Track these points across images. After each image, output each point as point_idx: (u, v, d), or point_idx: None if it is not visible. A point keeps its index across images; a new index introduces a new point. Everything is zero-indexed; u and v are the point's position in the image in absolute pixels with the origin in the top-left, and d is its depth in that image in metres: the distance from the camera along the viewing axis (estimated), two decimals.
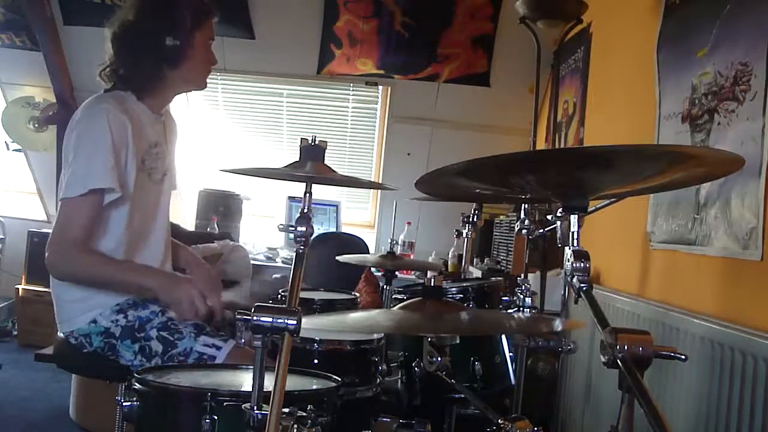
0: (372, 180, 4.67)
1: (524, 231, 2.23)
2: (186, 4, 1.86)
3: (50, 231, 1.74)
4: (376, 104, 4.75)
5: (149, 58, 1.84)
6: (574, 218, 1.06)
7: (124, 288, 1.81)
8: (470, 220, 2.79)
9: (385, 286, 2.23)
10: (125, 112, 1.80)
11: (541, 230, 2.24)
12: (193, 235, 4.01)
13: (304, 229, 1.26)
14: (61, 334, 1.88)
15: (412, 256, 4.22)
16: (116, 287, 1.81)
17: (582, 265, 1.03)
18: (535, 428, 1.22)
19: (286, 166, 1.38)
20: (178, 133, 2.13)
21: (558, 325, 1.30)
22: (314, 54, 4.43)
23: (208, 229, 4.27)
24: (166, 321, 1.81)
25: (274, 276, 4.02)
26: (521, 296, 1.51)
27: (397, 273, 2.31)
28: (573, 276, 1.03)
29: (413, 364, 1.72)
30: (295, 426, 1.08)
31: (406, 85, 4.50)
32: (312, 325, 1.20)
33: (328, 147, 1.38)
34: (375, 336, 1.75)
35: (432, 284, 1.29)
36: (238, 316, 1.06)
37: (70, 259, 1.73)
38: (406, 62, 4.41)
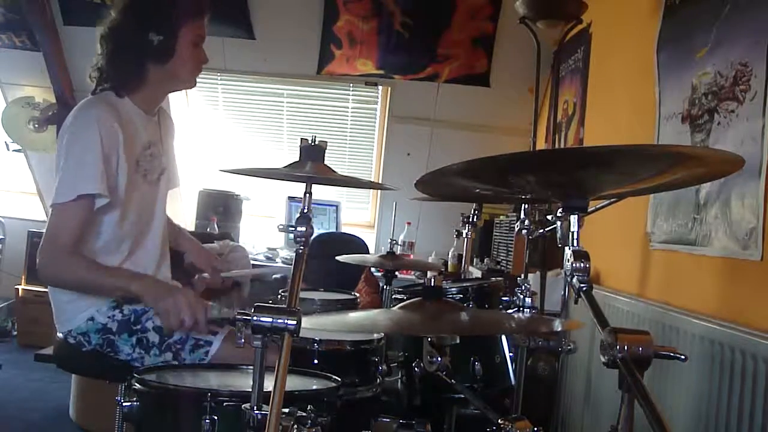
0: (372, 180, 4.67)
1: (524, 231, 2.23)
2: (172, 0, 1.86)
3: None
4: (376, 104, 4.75)
5: (132, 54, 1.84)
6: (574, 218, 1.06)
7: (111, 293, 1.79)
8: (470, 220, 2.80)
9: (385, 286, 2.23)
10: (117, 117, 1.79)
11: (541, 230, 2.24)
12: (192, 235, 4.01)
13: (304, 229, 1.26)
14: (60, 334, 1.88)
15: (411, 257, 4.22)
16: (104, 292, 1.79)
17: (582, 265, 1.02)
18: (535, 428, 1.22)
19: (286, 166, 1.38)
20: (175, 130, 2.13)
21: (558, 325, 1.30)
22: (314, 54, 4.42)
23: (208, 230, 4.27)
24: None
25: (273, 276, 4.02)
26: (521, 296, 1.51)
27: (397, 273, 2.31)
28: (573, 276, 1.03)
29: (413, 364, 1.71)
30: (295, 426, 1.08)
31: (406, 85, 4.50)
32: (312, 325, 1.20)
33: (328, 147, 1.38)
34: (375, 336, 1.75)
35: (432, 284, 1.29)
36: (238, 316, 1.06)
37: (59, 264, 1.73)
38: (406, 62, 4.41)
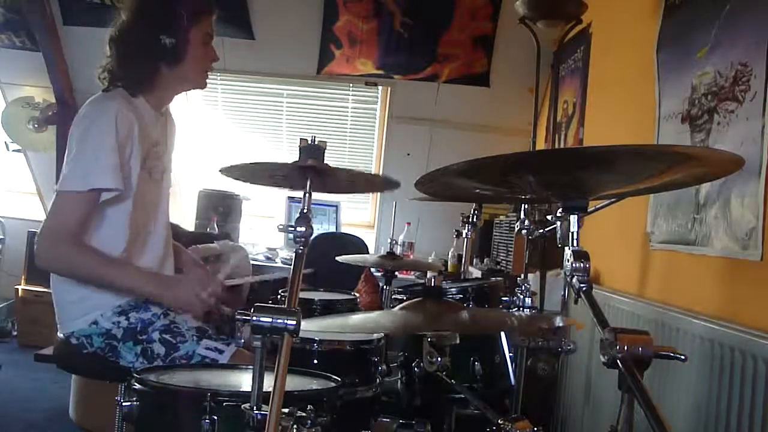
0: None
1: (524, 231, 2.23)
2: (181, 1, 1.85)
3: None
4: (376, 104, 4.75)
5: (145, 57, 1.83)
6: (574, 218, 1.06)
7: (120, 290, 1.79)
8: (470, 220, 2.80)
9: (384, 287, 2.23)
10: (133, 111, 1.80)
11: (541, 230, 2.24)
12: (192, 235, 4.01)
13: (303, 229, 1.26)
14: (61, 335, 1.88)
15: (411, 257, 4.22)
16: (113, 288, 1.79)
17: (582, 265, 1.03)
18: (535, 428, 1.22)
19: None
20: (177, 131, 2.13)
21: (559, 320, 1.30)
22: (314, 54, 4.43)
23: (208, 230, 4.27)
24: (168, 324, 1.80)
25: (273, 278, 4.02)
26: (521, 296, 1.51)
27: (396, 273, 2.31)
28: (573, 276, 1.03)
29: (413, 364, 1.71)
30: (295, 426, 1.08)
31: (406, 85, 4.51)
32: (312, 327, 1.20)
33: (327, 147, 1.38)
34: (375, 336, 1.75)
35: (432, 284, 1.29)
36: (238, 316, 1.06)
37: (64, 252, 1.70)
38: (405, 62, 4.42)
